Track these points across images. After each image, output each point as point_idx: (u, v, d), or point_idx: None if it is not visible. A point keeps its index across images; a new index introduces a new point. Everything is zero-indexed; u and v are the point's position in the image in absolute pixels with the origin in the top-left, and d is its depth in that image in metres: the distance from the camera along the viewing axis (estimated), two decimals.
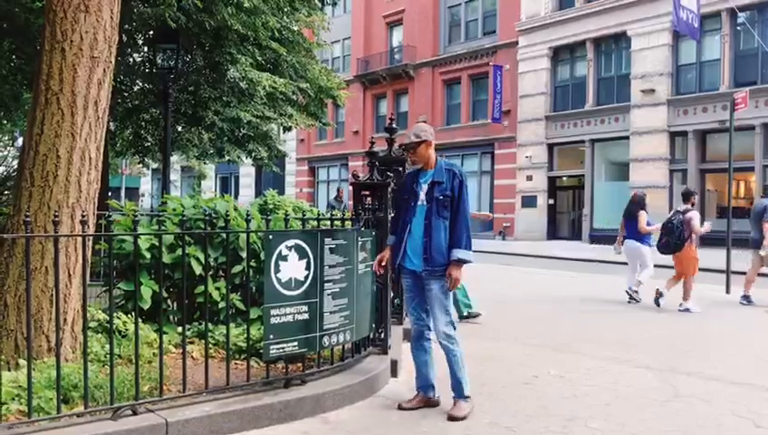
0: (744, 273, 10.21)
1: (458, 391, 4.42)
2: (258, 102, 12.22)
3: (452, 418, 4.29)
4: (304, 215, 4.96)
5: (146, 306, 5.07)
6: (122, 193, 37.78)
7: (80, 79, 4.34)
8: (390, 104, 34.54)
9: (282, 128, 14.39)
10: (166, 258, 5.15)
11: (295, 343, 4.35)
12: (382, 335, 5.37)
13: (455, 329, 4.44)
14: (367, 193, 5.35)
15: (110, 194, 13.75)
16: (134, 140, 14.68)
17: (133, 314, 4.44)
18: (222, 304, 5.40)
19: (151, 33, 11.11)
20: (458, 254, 4.29)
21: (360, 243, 4.84)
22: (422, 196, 4.43)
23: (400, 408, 4.51)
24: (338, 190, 19.49)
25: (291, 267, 4.30)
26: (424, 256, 4.37)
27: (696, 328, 7.89)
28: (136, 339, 3.86)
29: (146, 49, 12.13)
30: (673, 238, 9.19)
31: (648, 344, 6.80)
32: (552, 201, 27.62)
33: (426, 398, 4.58)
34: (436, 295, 4.38)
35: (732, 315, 8.91)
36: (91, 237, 4.11)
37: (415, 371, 4.65)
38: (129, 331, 4.93)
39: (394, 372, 5.25)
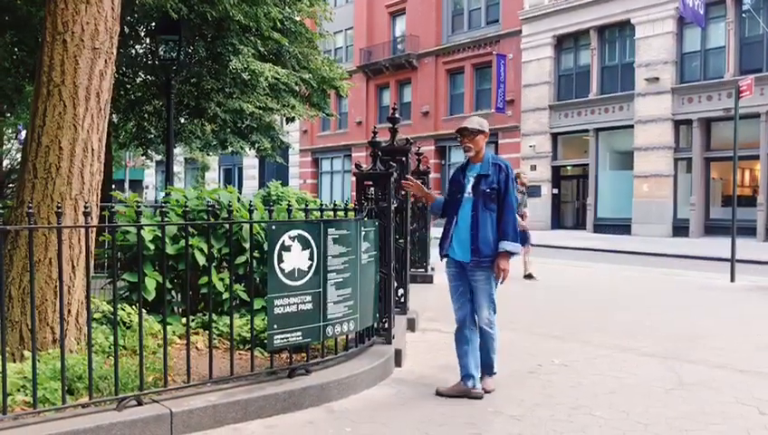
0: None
1: (489, 370, 4.72)
2: (261, 93, 12.20)
3: (486, 390, 4.60)
4: (307, 205, 4.95)
5: (150, 297, 5.09)
6: (126, 185, 37.83)
7: (81, 70, 4.33)
8: (393, 94, 34.45)
9: (284, 119, 14.36)
10: (169, 249, 5.15)
11: (299, 333, 4.35)
12: (386, 325, 5.38)
13: (495, 314, 4.66)
14: (370, 183, 5.35)
15: (113, 186, 13.76)
16: (137, 132, 14.68)
17: (137, 305, 4.44)
18: (226, 295, 5.41)
19: (153, 24, 11.09)
20: (506, 246, 4.45)
21: (363, 233, 4.84)
22: (469, 188, 4.60)
23: (438, 394, 4.58)
24: (517, 176, 12.47)
25: (294, 258, 4.29)
26: (472, 247, 4.52)
27: (701, 316, 7.87)
28: (140, 330, 3.87)
29: (148, 40, 12.12)
30: None
31: (653, 333, 6.79)
32: (556, 190, 27.57)
33: (464, 388, 4.56)
34: (482, 285, 4.56)
35: (737, 303, 8.89)
36: (94, 229, 4.12)
37: (458, 360, 4.68)
38: (133, 322, 4.94)
39: (398, 362, 5.25)
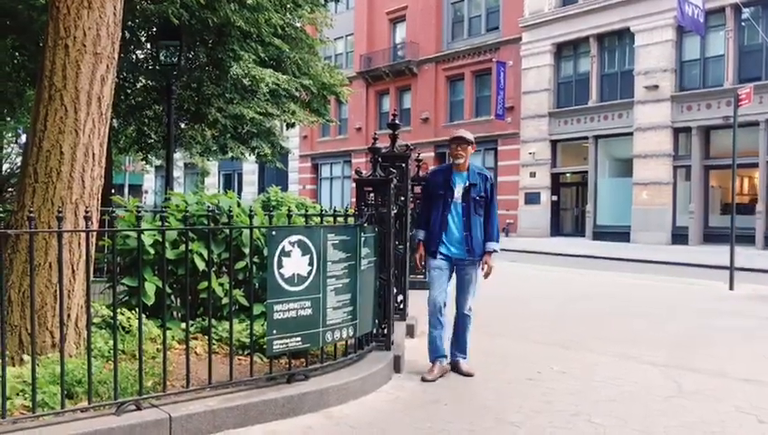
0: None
1: (465, 352, 5.35)
2: (261, 99, 12.24)
3: (469, 374, 5.20)
4: (307, 211, 4.96)
5: (149, 302, 5.08)
6: (126, 190, 37.85)
7: (83, 75, 4.34)
8: (393, 101, 34.52)
9: (285, 124, 14.39)
10: (169, 254, 5.15)
11: (298, 339, 4.35)
12: (385, 331, 5.37)
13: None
14: (370, 189, 5.36)
15: (113, 191, 13.77)
16: (137, 136, 14.71)
17: (137, 309, 4.44)
18: (225, 300, 5.41)
19: (154, 29, 11.11)
20: (493, 246, 5.24)
21: (362, 239, 4.84)
22: (457, 194, 5.21)
23: (424, 380, 5.06)
24: None
25: (294, 263, 4.30)
26: (466, 247, 5.20)
27: (701, 325, 7.87)
28: (140, 334, 3.87)
29: (149, 46, 12.14)
30: None
31: (653, 341, 6.79)
32: (555, 198, 27.60)
33: (442, 367, 5.23)
34: (472, 278, 5.25)
35: (736, 311, 8.89)
36: (94, 233, 4.12)
37: (428, 343, 5.30)
38: (132, 326, 4.94)
39: (397, 368, 5.25)
